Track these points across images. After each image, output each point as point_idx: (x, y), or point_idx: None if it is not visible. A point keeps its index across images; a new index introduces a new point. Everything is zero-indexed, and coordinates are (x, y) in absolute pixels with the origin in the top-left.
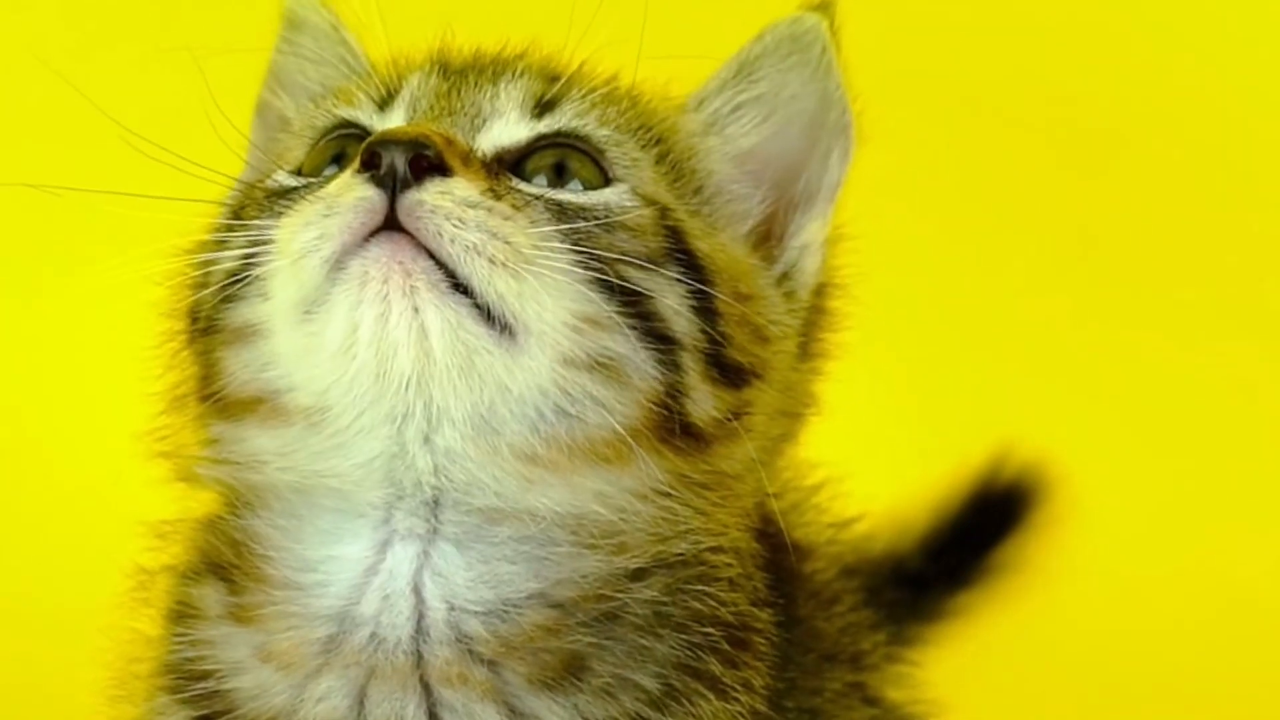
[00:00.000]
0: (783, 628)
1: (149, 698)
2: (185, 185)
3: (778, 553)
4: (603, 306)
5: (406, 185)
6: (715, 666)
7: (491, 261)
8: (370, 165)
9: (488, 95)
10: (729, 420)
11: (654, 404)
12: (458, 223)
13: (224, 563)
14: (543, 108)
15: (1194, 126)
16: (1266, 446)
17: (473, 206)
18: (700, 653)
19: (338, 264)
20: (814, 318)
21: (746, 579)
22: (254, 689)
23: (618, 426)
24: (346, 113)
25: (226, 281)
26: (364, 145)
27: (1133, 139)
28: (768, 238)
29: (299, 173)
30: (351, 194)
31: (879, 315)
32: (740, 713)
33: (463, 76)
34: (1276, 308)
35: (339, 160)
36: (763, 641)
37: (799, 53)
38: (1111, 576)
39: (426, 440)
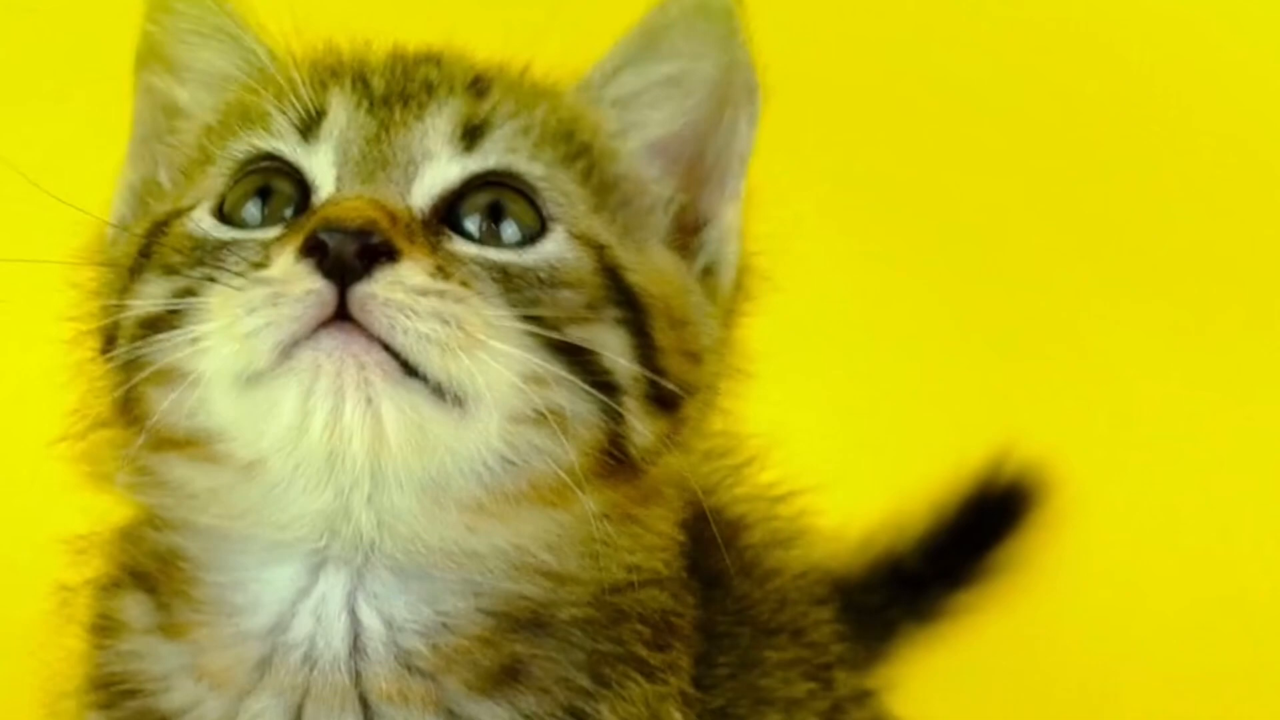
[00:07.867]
0: (711, 606)
1: (79, 716)
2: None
3: (702, 527)
4: (549, 367)
5: (356, 275)
6: (642, 651)
7: (444, 348)
8: (316, 252)
9: (417, 136)
10: (664, 443)
11: (596, 449)
12: (410, 314)
13: (148, 573)
14: (471, 135)
15: (1195, 126)
16: (1267, 446)
17: (424, 294)
18: (628, 644)
19: (286, 352)
20: (735, 306)
21: (674, 578)
22: (185, 706)
23: (561, 472)
24: (268, 143)
25: (145, 323)
26: (306, 231)
27: (1134, 138)
28: (683, 230)
29: (220, 211)
30: (300, 285)
31: (878, 315)
32: (669, 694)
33: (388, 109)
34: (1277, 307)
35: (265, 195)
36: (687, 626)
37: (705, 22)
38: (1111, 576)
39: (370, 501)
